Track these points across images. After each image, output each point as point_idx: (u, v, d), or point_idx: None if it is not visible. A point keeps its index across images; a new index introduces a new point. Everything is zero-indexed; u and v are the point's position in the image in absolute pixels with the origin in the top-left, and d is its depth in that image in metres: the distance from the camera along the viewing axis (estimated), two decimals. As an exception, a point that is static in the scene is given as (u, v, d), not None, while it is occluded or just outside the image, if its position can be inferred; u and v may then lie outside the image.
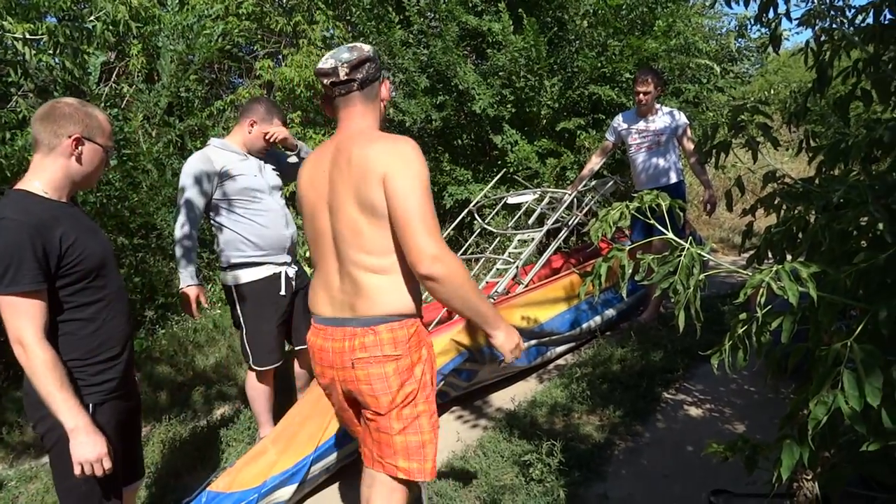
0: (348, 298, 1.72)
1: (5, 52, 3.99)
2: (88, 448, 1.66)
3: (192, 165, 2.85)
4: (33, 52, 3.90)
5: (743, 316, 1.29)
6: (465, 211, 4.27)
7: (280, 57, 7.25)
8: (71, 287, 1.72)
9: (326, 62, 1.73)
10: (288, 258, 3.00)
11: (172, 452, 3.13)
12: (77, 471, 1.67)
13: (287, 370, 3.32)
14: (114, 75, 6.24)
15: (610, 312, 4.37)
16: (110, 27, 4.28)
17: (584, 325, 4.12)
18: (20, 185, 1.75)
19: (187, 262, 2.84)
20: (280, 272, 2.95)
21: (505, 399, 3.56)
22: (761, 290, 1.18)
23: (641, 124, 4.29)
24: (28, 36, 3.90)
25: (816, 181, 1.68)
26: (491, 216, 4.90)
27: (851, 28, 1.90)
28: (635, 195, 1.45)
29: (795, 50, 2.06)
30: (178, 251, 2.84)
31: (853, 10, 1.96)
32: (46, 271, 1.65)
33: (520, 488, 2.66)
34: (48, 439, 1.75)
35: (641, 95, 4.18)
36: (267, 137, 2.95)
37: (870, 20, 1.84)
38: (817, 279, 1.18)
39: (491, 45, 6.23)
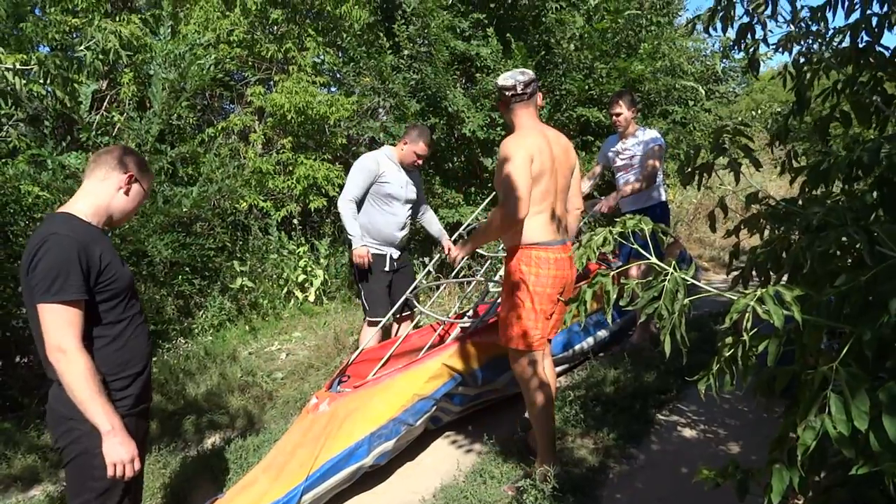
0: (564, 227, 2.82)
1: (-4, 83, 4.00)
2: (122, 449, 1.79)
3: (364, 164, 3.76)
4: (23, 81, 3.91)
5: (729, 339, 1.28)
6: (457, 234, 4.28)
7: (271, 83, 7.30)
8: (104, 304, 1.88)
9: (507, 81, 2.72)
10: (394, 248, 3.91)
11: (162, 483, 3.09)
12: (110, 472, 1.78)
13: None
14: (105, 103, 6.26)
15: (602, 334, 4.36)
16: (101, 56, 4.30)
17: (577, 347, 4.11)
18: (65, 209, 1.94)
19: (357, 232, 3.73)
20: (385, 253, 3.86)
21: (500, 424, 3.53)
22: (747, 314, 1.18)
23: (620, 146, 4.35)
24: (19, 66, 3.91)
25: (799, 202, 1.69)
26: (482, 238, 4.91)
27: (829, 50, 1.93)
28: (617, 220, 1.46)
29: (780, 69, 2.08)
30: (352, 224, 3.71)
31: (831, 32, 1.99)
32: (88, 285, 1.81)
33: (514, 515, 2.63)
34: (68, 452, 1.84)
35: (614, 117, 4.30)
36: (418, 155, 3.85)
37: (846, 42, 1.87)
38: (801, 301, 1.18)
39: (480, 69, 6.30)
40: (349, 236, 3.73)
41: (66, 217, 1.89)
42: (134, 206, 2.05)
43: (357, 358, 3.45)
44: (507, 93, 2.73)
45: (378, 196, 3.78)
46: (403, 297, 3.70)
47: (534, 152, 2.61)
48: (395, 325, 4.13)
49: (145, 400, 2.03)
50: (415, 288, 3.81)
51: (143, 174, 2.05)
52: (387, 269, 3.87)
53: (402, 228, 3.92)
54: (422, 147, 3.82)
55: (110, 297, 1.89)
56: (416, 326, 4.10)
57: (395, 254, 3.92)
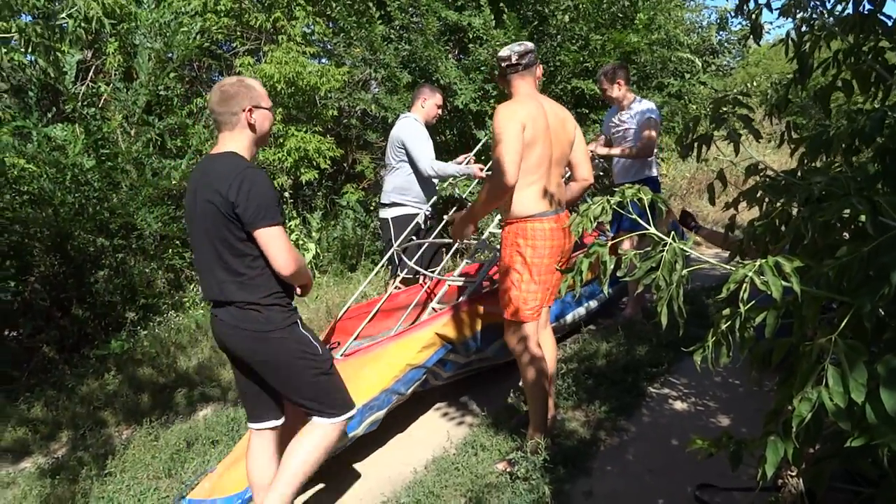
0: (559, 198, 2.76)
1: (-24, 53, 3.89)
2: None
3: (418, 130, 4.03)
4: (4, 50, 3.81)
5: (726, 311, 1.27)
6: (455, 209, 4.27)
7: (260, 54, 7.16)
8: None
9: (504, 52, 2.75)
10: (427, 206, 4.18)
11: (153, 455, 3.08)
12: None
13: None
14: (90, 74, 6.13)
15: (593, 304, 4.35)
16: (83, 25, 4.18)
17: (568, 318, 4.10)
18: (224, 149, 2.14)
19: (456, 168, 3.96)
20: (421, 211, 4.14)
21: (491, 395, 3.54)
22: (744, 285, 1.16)
23: (616, 118, 4.31)
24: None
25: (799, 174, 1.67)
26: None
27: (831, 18, 1.88)
28: (615, 189, 1.43)
29: (776, 41, 2.04)
30: (452, 169, 3.95)
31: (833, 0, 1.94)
32: None
33: (505, 486, 2.64)
34: (286, 357, 2.15)
35: (604, 94, 4.35)
36: (439, 106, 4.19)
37: (850, 10, 1.82)
38: (800, 273, 1.16)
39: (472, 40, 6.20)
40: (459, 175, 3.98)
41: (233, 154, 2.11)
42: (267, 129, 2.23)
43: (345, 315, 3.45)
44: (502, 63, 2.76)
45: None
46: (389, 252, 3.92)
47: (526, 120, 2.57)
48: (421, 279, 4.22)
49: None
50: (404, 245, 3.87)
51: (255, 99, 2.16)
52: (423, 227, 4.13)
53: (437, 187, 4.28)
54: (440, 98, 4.16)
55: None
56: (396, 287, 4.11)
57: (429, 211, 4.19)
